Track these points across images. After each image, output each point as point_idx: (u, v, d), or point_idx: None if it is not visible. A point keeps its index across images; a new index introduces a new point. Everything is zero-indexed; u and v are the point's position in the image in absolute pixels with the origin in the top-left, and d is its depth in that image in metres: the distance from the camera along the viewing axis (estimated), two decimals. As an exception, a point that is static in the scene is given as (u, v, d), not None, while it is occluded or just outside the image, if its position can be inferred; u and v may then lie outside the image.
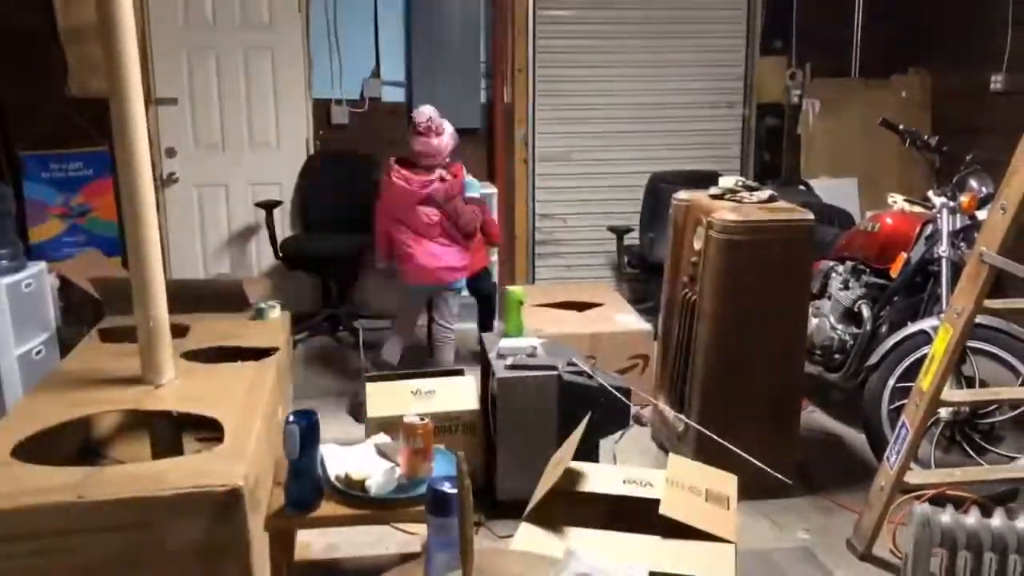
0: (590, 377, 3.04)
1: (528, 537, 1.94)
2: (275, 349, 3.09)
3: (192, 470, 2.15)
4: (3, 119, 4.76)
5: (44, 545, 2.00)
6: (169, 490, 2.05)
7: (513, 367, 3.07)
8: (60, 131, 4.81)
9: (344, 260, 4.91)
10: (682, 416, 3.27)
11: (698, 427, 3.18)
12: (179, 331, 3.11)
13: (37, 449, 2.31)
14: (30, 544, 1.99)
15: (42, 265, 3.98)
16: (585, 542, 1.90)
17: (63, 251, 4.84)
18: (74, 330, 3.96)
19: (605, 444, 3.11)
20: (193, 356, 2.99)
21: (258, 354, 3.04)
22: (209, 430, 2.49)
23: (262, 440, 2.40)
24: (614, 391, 2.98)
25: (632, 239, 5.18)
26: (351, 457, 2.34)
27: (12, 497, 2.01)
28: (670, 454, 2.17)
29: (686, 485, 2.04)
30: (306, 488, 2.18)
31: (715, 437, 3.00)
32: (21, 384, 3.63)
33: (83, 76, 4.82)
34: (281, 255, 4.99)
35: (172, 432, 2.74)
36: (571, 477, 2.09)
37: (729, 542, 1.89)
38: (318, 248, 4.97)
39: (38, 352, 3.81)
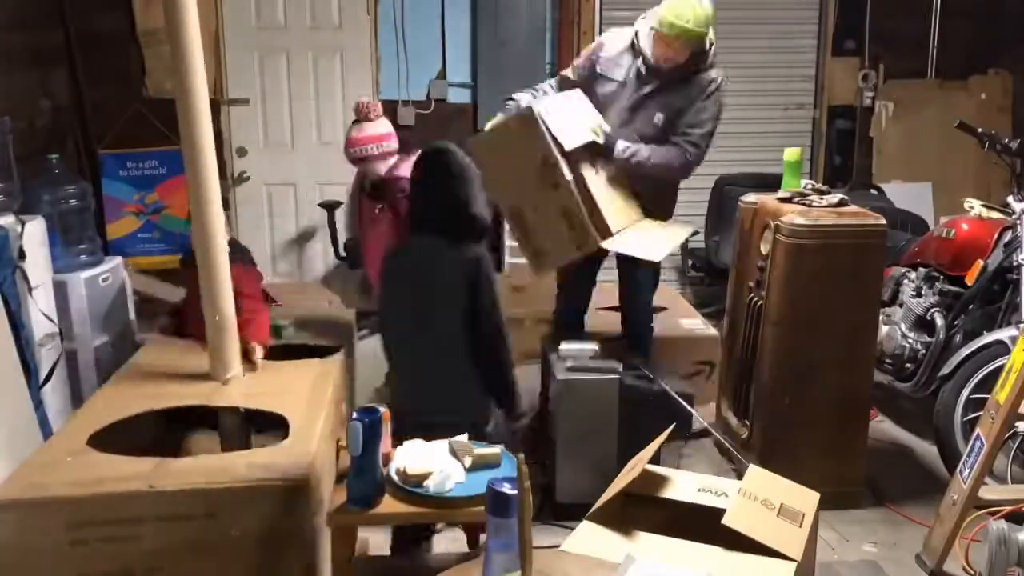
0: (651, 381, 3.02)
1: (587, 535, 1.93)
2: (339, 347, 3.13)
3: (257, 464, 2.20)
4: (83, 118, 4.92)
5: (115, 532, 2.06)
6: (235, 482, 2.10)
7: (573, 369, 3.06)
8: (137, 130, 4.95)
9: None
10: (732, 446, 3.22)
11: (731, 446, 3.12)
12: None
13: (112, 440, 2.38)
14: (102, 530, 2.06)
15: (118, 260, 4.10)
16: (645, 546, 1.88)
17: (138, 247, 5.00)
18: (148, 322, 4.09)
19: (668, 449, 3.09)
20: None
21: (323, 352, 3.08)
22: (274, 425, 2.54)
23: (326, 436, 2.44)
24: (676, 396, 2.95)
25: (696, 242, 5.11)
26: (418, 454, 2.36)
27: (86, 485, 2.08)
28: (750, 466, 2.13)
29: (760, 498, 2.00)
30: (367, 484, 2.20)
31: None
32: (97, 374, 3.75)
33: (159, 77, 4.96)
34: (344, 255, 5.05)
35: (240, 426, 2.80)
36: (647, 481, 2.07)
37: (791, 559, 1.85)
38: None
39: (113, 344, 3.93)
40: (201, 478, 2.12)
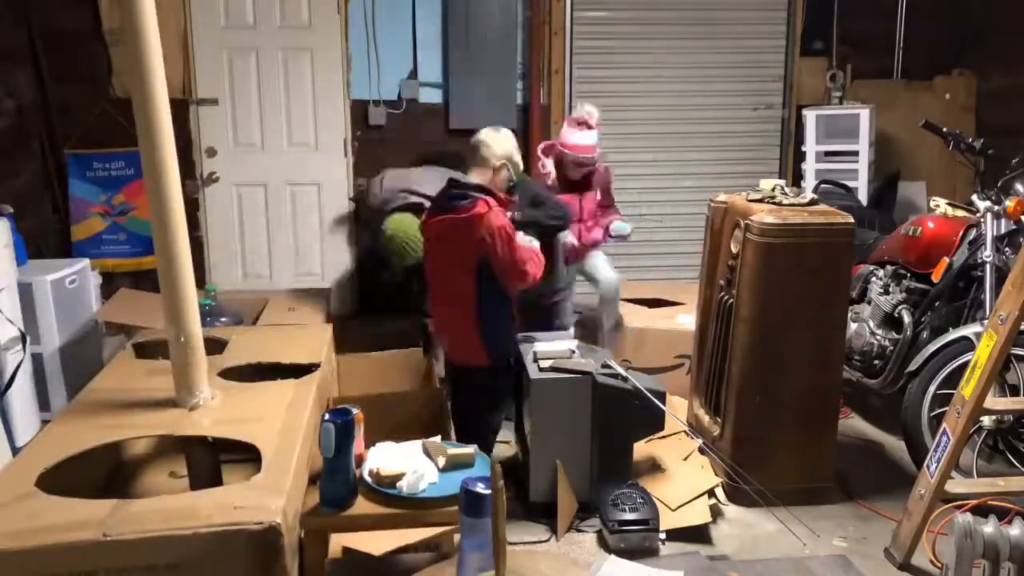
0: (624, 380, 3.03)
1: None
2: (316, 365, 2.86)
3: (226, 504, 1.97)
4: (48, 118, 4.85)
5: (65, 586, 1.82)
6: (201, 527, 1.90)
7: (547, 369, 3.06)
8: (104, 131, 4.89)
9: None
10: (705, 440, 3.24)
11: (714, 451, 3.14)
12: (216, 346, 2.91)
13: (65, 476, 2.16)
14: (51, 586, 1.81)
15: (85, 262, 4.05)
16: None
17: (104, 248, 4.93)
18: (115, 325, 4.03)
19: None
20: (231, 373, 2.77)
21: (299, 371, 2.82)
22: (246, 452, 2.29)
23: (302, 466, 2.26)
24: (648, 394, 2.96)
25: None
26: (392, 455, 2.35)
27: (32, 535, 1.85)
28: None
29: None
30: (340, 486, 2.18)
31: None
32: (63, 378, 3.70)
33: (127, 76, 4.89)
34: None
35: (209, 456, 2.52)
36: None
37: None
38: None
39: (80, 347, 3.88)
40: (162, 524, 1.90)
